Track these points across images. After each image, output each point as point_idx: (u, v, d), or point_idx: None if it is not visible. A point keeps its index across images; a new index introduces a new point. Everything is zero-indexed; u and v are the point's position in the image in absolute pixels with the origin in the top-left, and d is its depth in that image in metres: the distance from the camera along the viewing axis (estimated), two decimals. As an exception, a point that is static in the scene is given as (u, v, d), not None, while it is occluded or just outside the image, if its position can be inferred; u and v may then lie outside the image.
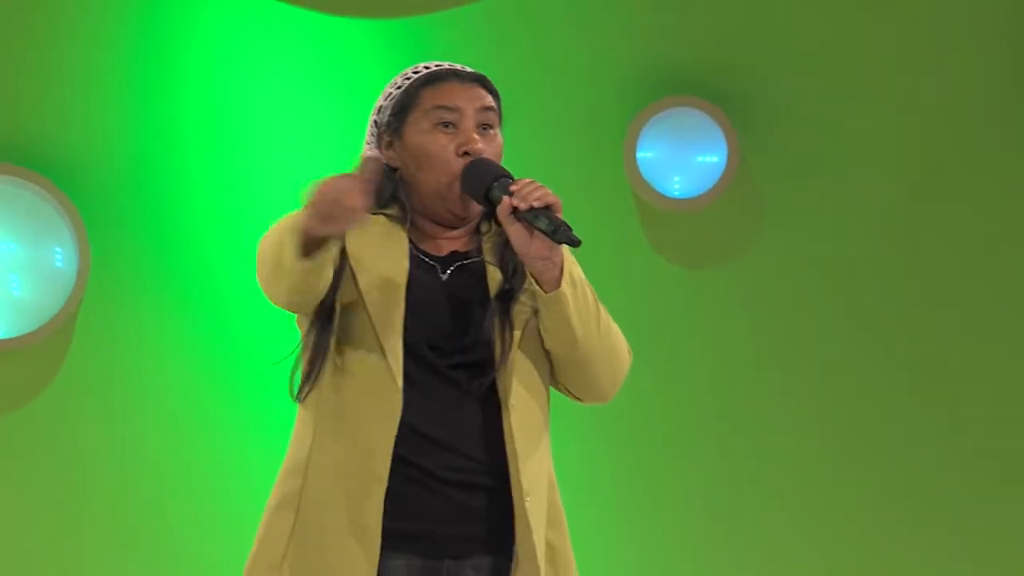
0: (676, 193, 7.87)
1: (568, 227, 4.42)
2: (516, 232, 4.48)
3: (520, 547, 4.59)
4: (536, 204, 4.40)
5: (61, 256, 7.86)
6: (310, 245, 4.47)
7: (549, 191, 4.44)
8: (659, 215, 7.88)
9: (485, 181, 4.59)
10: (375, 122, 4.81)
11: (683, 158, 7.89)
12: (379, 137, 4.77)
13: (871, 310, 8.11)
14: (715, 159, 7.83)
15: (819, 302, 8.10)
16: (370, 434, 4.62)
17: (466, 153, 4.63)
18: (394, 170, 4.76)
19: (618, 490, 7.96)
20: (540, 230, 4.45)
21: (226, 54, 8.04)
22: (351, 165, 4.83)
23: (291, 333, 4.82)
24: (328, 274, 4.59)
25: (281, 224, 4.61)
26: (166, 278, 7.98)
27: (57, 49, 8.00)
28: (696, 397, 7.94)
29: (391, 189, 4.76)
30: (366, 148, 4.85)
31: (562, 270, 4.52)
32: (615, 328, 4.65)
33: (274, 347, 4.88)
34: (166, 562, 7.98)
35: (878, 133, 8.08)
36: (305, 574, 4.66)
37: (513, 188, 4.47)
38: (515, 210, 4.46)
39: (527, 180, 4.47)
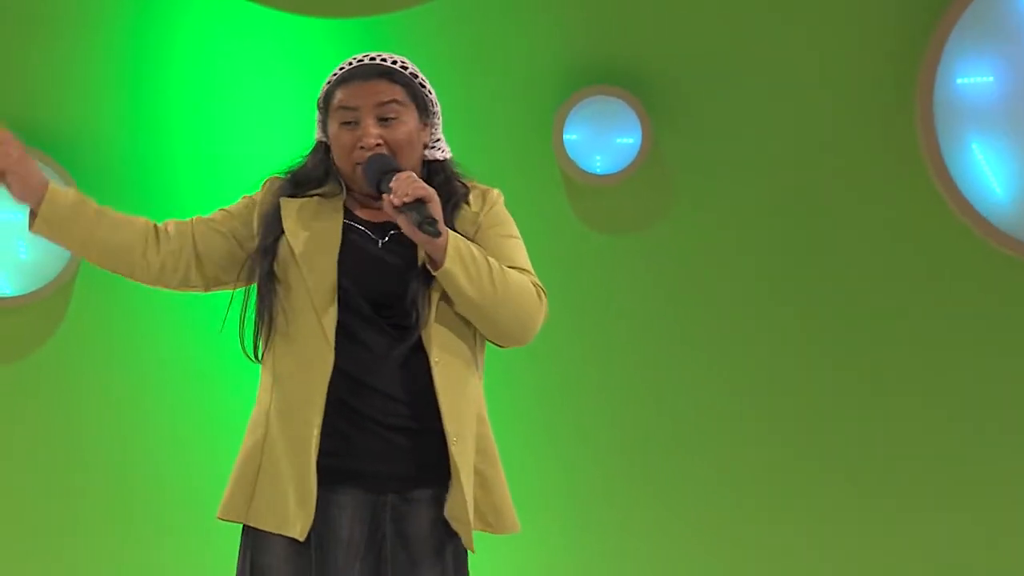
0: (597, 170, 8.06)
1: (432, 220, 4.60)
2: (402, 222, 4.64)
3: (452, 480, 4.74)
4: (407, 200, 4.60)
5: None
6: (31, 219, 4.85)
7: (420, 186, 4.62)
8: (583, 189, 8.06)
9: (376, 178, 4.78)
10: (318, 110, 5.01)
11: (603, 140, 8.07)
12: (321, 125, 4.99)
13: (767, 269, 8.26)
14: (631, 140, 8.02)
15: (721, 264, 8.23)
16: (307, 385, 4.75)
17: (362, 147, 4.81)
18: (328, 151, 4.95)
19: (548, 429, 8.09)
20: (411, 221, 4.64)
21: (205, 48, 8.25)
22: (308, 147, 5.10)
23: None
24: (136, 238, 4.93)
25: None
26: None
27: (59, 42, 8.18)
28: (613, 344, 8.10)
29: (323, 171, 4.96)
30: (317, 132, 5.05)
31: (446, 250, 4.66)
32: (517, 284, 4.80)
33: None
34: (158, 498, 8.16)
35: (774, 118, 8.26)
36: (263, 516, 4.80)
37: (392, 185, 4.66)
38: (394, 205, 4.63)
39: (404, 175, 4.66)
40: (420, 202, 4.59)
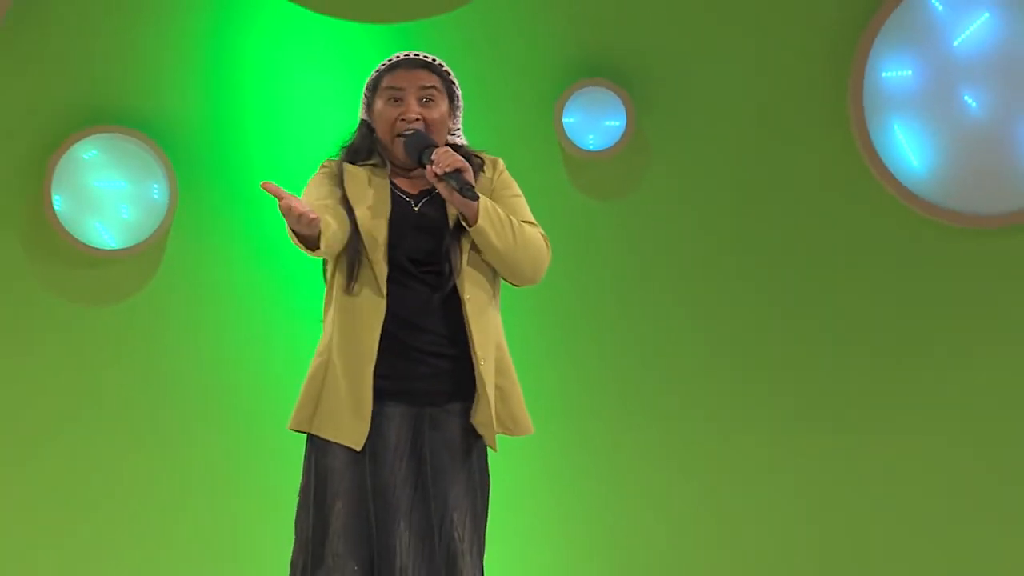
0: (590, 147, 8.19)
1: (470, 186, 4.76)
2: (442, 188, 4.81)
3: (478, 394, 4.92)
4: (448, 169, 4.76)
5: (157, 190, 8.10)
6: (307, 240, 4.80)
7: (458, 158, 4.79)
8: (578, 163, 8.21)
9: (417, 151, 4.92)
10: (364, 94, 5.15)
11: (595, 122, 8.21)
12: (364, 104, 5.12)
13: (726, 226, 8.39)
14: (618, 123, 8.17)
15: (688, 222, 8.38)
16: (365, 324, 4.88)
17: (403, 119, 4.95)
18: (372, 130, 5.09)
19: (552, 353, 8.20)
20: (451, 187, 4.78)
21: (272, 44, 8.30)
22: (347, 137, 5.25)
23: None
24: (337, 235, 4.87)
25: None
26: (233, 207, 8.23)
27: (154, 39, 8.21)
28: (602, 286, 8.23)
29: (368, 145, 5.10)
30: (361, 109, 5.21)
31: (478, 211, 4.83)
32: (531, 234, 4.98)
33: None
34: (234, 420, 8.26)
35: (732, 104, 8.37)
36: (325, 426, 4.90)
37: (433, 157, 4.82)
38: (435, 174, 4.80)
39: (443, 149, 4.83)
40: (458, 172, 4.75)
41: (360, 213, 4.89)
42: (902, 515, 8.36)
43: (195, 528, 8.16)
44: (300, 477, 5.02)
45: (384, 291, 4.83)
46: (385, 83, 5.00)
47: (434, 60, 5.03)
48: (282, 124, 8.24)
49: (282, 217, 4.71)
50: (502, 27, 8.25)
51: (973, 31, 8.22)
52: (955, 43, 8.22)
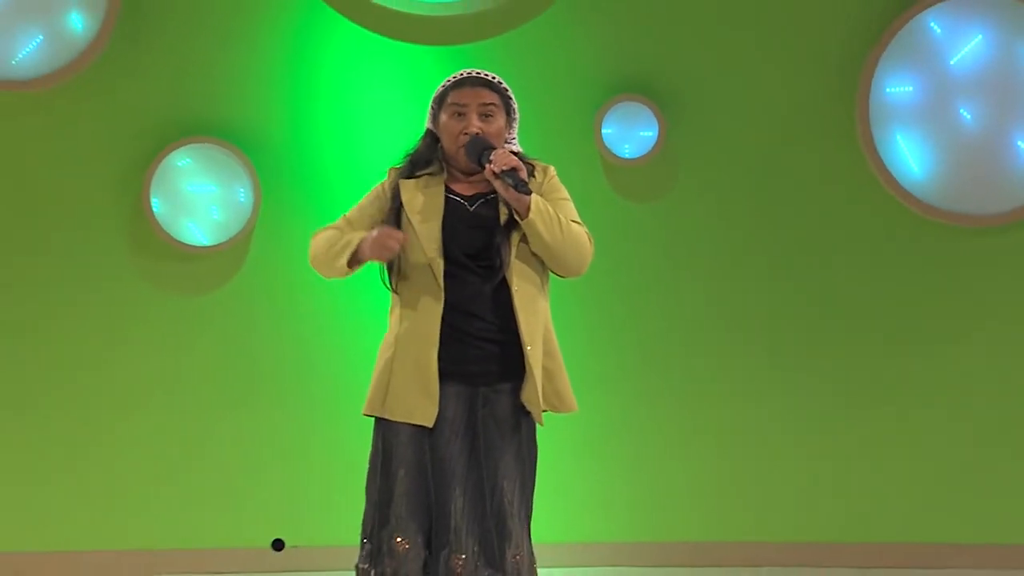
0: (626, 155, 8.21)
1: (524, 182, 4.80)
2: (498, 185, 4.85)
3: (527, 374, 4.93)
4: (504, 167, 4.81)
5: (243, 194, 8.09)
6: (355, 262, 4.97)
7: (512, 159, 4.83)
8: (615, 169, 8.26)
9: (477, 152, 4.94)
10: (431, 107, 5.13)
11: (630, 133, 8.20)
12: (431, 116, 5.10)
13: (745, 223, 8.37)
14: (651, 134, 8.18)
15: (711, 220, 8.36)
16: (426, 314, 4.90)
17: (465, 133, 4.96)
18: (437, 140, 5.09)
19: (594, 337, 8.12)
20: (506, 183, 4.81)
21: (345, 63, 8.25)
22: (413, 144, 5.21)
23: None
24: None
25: (331, 239, 5.08)
26: (309, 208, 8.10)
27: (241, 57, 8.18)
28: (637, 281, 8.24)
29: (431, 153, 5.09)
30: (427, 120, 5.17)
31: (529, 206, 4.84)
32: (577, 230, 4.98)
33: None
34: (309, 402, 8.23)
35: (752, 118, 8.33)
36: (396, 408, 4.89)
37: (492, 157, 4.86)
38: (494, 172, 4.84)
39: (500, 151, 4.87)
40: (514, 169, 4.81)
41: (415, 218, 4.91)
42: (905, 474, 8.35)
43: (272, 487, 8.20)
44: (370, 448, 5.03)
45: (442, 284, 4.84)
46: (450, 99, 5.01)
47: (494, 78, 5.05)
48: (353, 134, 8.23)
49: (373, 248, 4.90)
50: (549, 49, 8.25)
51: (968, 51, 8.20)
52: (952, 62, 8.19)
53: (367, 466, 5.00)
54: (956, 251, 8.30)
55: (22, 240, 8.07)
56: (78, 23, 7.86)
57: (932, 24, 8.16)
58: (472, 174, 5.00)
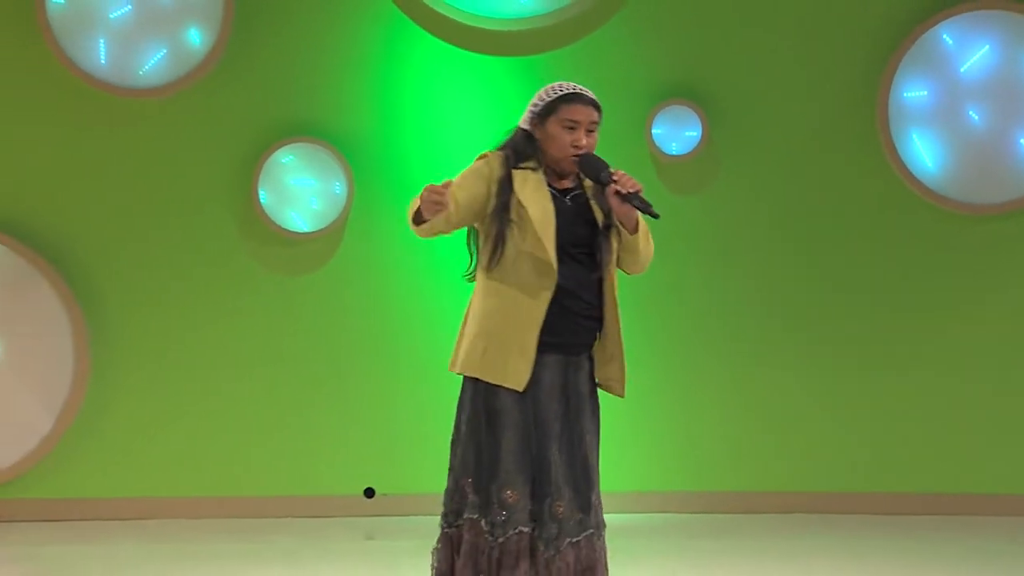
0: (673, 152, 8.30)
1: (649, 205, 4.67)
2: (616, 203, 4.73)
3: (611, 353, 4.88)
4: (631, 190, 4.71)
5: (338, 187, 8.20)
6: (419, 219, 4.74)
7: (637, 182, 4.73)
8: (664, 165, 8.33)
9: (597, 169, 4.79)
10: (531, 109, 4.90)
11: (677, 132, 8.29)
12: (531, 119, 4.88)
13: (779, 213, 8.39)
14: (695, 134, 8.30)
15: (749, 211, 8.40)
16: (537, 293, 4.78)
17: (575, 146, 4.81)
18: (533, 139, 4.87)
19: (646, 316, 8.00)
20: (634, 205, 4.70)
21: (427, 72, 8.30)
22: (501, 137, 4.94)
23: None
24: (439, 225, 4.76)
25: (413, 205, 4.79)
26: (396, 199, 8.00)
27: (336, 67, 8.25)
28: (684, 265, 8.24)
29: (531, 151, 4.87)
30: (522, 120, 4.93)
31: (638, 223, 4.81)
32: (649, 235, 4.92)
33: (465, 246, 4.98)
34: (394, 369, 8.26)
35: (785, 119, 8.37)
36: (493, 372, 4.76)
37: (615, 177, 4.73)
38: (616, 192, 4.71)
39: (622, 172, 4.75)
40: (637, 192, 4.72)
41: (533, 209, 4.79)
42: (923, 430, 8.40)
43: (364, 441, 8.28)
44: (460, 410, 4.89)
45: (555, 267, 4.75)
46: (563, 112, 4.84)
47: (597, 100, 4.93)
48: (433, 133, 8.35)
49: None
50: (606, 58, 8.32)
51: (976, 60, 8.30)
52: (962, 69, 8.31)
53: (461, 427, 4.85)
54: (965, 235, 8.40)
55: (148, 226, 8.23)
56: (196, 38, 8.10)
57: (944, 36, 8.29)
58: (565, 176, 4.92)
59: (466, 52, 8.21)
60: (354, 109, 8.29)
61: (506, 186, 4.82)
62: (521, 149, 4.88)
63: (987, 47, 8.25)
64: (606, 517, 4.87)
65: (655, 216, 4.70)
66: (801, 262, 8.42)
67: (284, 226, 8.15)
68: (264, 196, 8.12)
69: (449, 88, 8.34)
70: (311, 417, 8.27)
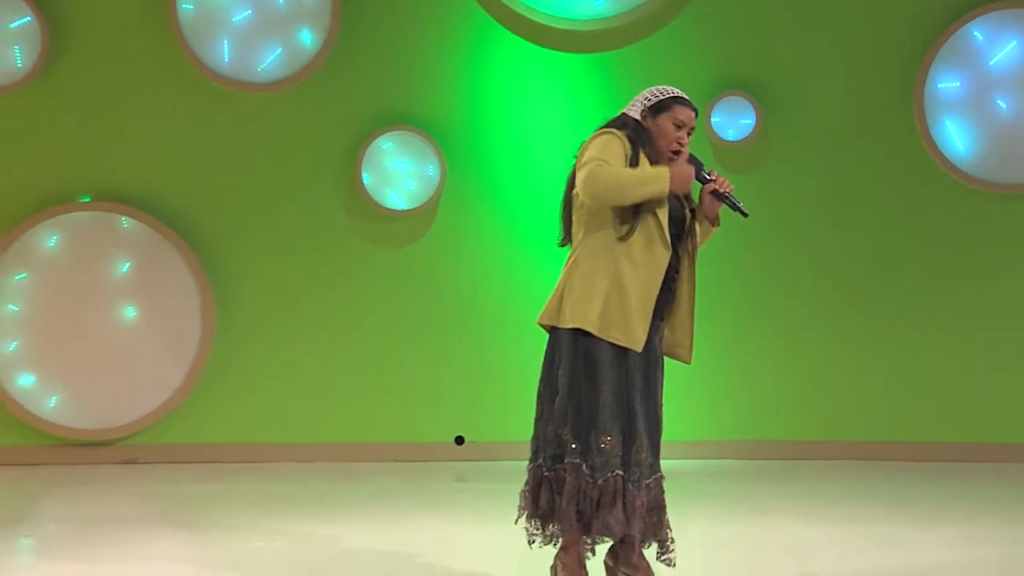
0: (731, 138, 8.35)
1: (740, 204, 4.77)
2: (707, 199, 4.86)
3: (682, 316, 4.90)
4: (728, 190, 4.83)
5: (432, 170, 8.29)
6: (620, 192, 4.69)
7: (729, 181, 4.85)
8: (722, 149, 8.36)
9: (697, 169, 4.81)
10: (643, 102, 4.88)
11: (734, 120, 8.34)
12: (642, 110, 4.87)
13: (825, 192, 8.38)
14: (750, 122, 8.36)
15: (801, 191, 8.38)
16: (657, 263, 4.77)
17: (679, 143, 4.82)
18: (643, 128, 4.84)
19: (704, 282, 7.95)
20: (726, 204, 4.81)
21: (511, 67, 8.33)
22: (576, 148, 4.84)
23: (546, 213, 5.21)
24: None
25: (625, 176, 4.65)
26: (483, 181, 8.29)
27: (431, 64, 8.30)
28: (741, 235, 7.81)
29: (644, 138, 4.84)
30: (629, 108, 4.90)
31: (718, 216, 4.92)
32: None
33: (543, 222, 5.43)
34: (479, 328, 8.32)
35: (830, 108, 8.35)
36: (615, 331, 4.73)
37: (712, 177, 4.85)
38: (713, 190, 4.83)
39: (716, 172, 4.85)
40: (730, 193, 4.84)
41: None
42: (948, 382, 8.37)
43: (455, 393, 8.36)
44: (548, 361, 4.87)
45: (669, 242, 4.77)
46: (676, 111, 4.85)
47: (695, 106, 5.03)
48: (516, 121, 8.40)
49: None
50: (669, 54, 8.37)
51: (1004, 54, 8.30)
52: (991, 62, 8.31)
53: (556, 380, 4.79)
54: (992, 211, 8.40)
55: (265, 203, 8.36)
56: (307, 39, 8.25)
57: (975, 33, 8.31)
58: (655, 165, 4.87)
59: (545, 49, 8.21)
60: (446, 100, 8.37)
61: (635, 164, 4.80)
62: (636, 135, 4.86)
63: (1014, 42, 8.23)
64: (667, 463, 4.90)
65: (744, 215, 4.76)
66: (843, 235, 8.41)
67: (384, 204, 8.24)
68: (367, 178, 8.21)
69: (530, 81, 8.38)
70: (408, 373, 8.34)
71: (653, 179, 4.69)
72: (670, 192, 4.71)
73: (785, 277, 8.40)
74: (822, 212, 8.42)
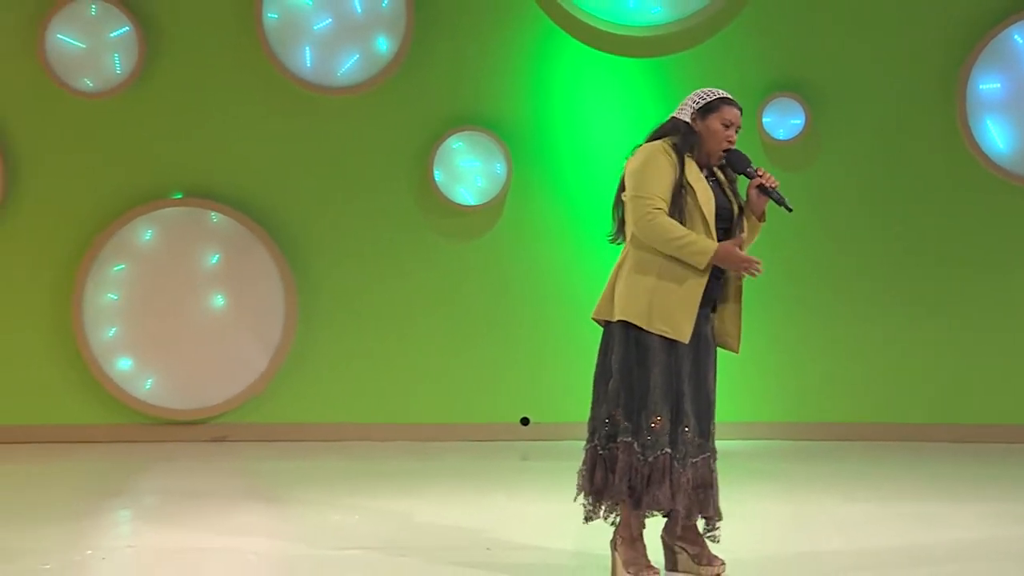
0: (780, 137, 8.33)
1: (785, 199, 4.74)
2: (754, 194, 4.84)
3: (730, 308, 4.92)
4: (773, 185, 4.82)
5: (499, 168, 8.32)
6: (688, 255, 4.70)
7: (775, 177, 4.84)
8: (773, 148, 8.30)
9: (743, 164, 4.85)
10: (692, 105, 4.87)
11: (784, 121, 8.32)
12: (692, 113, 4.85)
13: (871, 187, 8.32)
14: (799, 121, 8.36)
15: (848, 186, 8.34)
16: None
17: (728, 141, 4.85)
18: (693, 131, 4.84)
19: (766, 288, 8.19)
20: (772, 199, 4.79)
21: (574, 71, 8.32)
22: (633, 147, 4.84)
23: (605, 208, 4.99)
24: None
25: (675, 229, 4.66)
26: (546, 178, 8.31)
27: (499, 68, 8.30)
28: (792, 229, 7.86)
29: (693, 141, 4.84)
30: (679, 112, 4.88)
31: (764, 212, 4.91)
32: None
33: (602, 216, 5.07)
34: (543, 318, 8.28)
35: (877, 108, 8.30)
36: (662, 324, 4.74)
37: (759, 172, 4.84)
38: (759, 185, 4.82)
39: (762, 168, 4.84)
40: (776, 188, 4.83)
41: (699, 189, 4.79)
42: (986, 367, 8.32)
43: (521, 376, 8.35)
44: (605, 349, 4.90)
45: (716, 239, 4.76)
46: (724, 112, 4.85)
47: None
48: (579, 121, 8.41)
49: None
50: (722, 58, 8.35)
51: None
52: None
53: (611, 366, 4.84)
54: None
55: (344, 199, 8.40)
56: (383, 45, 8.32)
57: (1016, 36, 8.27)
58: (705, 164, 4.89)
59: (605, 53, 8.19)
60: (512, 102, 8.39)
61: (680, 170, 4.81)
62: (686, 139, 4.85)
63: (1053, 46, 8.39)
64: (720, 443, 4.93)
65: (789, 210, 4.73)
66: (885, 228, 8.38)
67: (454, 200, 8.29)
68: (438, 175, 8.26)
69: (591, 84, 8.38)
70: (476, 357, 8.38)
71: (700, 252, 4.70)
72: (709, 264, 4.67)
73: (831, 268, 8.38)
74: (865, 207, 8.39)
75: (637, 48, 8.18)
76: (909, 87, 8.32)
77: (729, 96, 4.89)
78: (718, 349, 4.98)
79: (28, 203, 8.27)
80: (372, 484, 6.86)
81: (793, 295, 8.37)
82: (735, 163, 4.85)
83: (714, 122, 4.82)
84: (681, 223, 4.76)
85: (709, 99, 4.85)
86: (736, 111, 4.87)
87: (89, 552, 5.36)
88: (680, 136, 4.85)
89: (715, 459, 4.92)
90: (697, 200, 4.78)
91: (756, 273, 4.73)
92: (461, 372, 8.35)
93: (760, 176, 4.79)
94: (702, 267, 4.70)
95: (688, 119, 4.85)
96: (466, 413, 8.33)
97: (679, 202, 4.79)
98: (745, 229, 4.88)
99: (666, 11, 8.20)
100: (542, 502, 6.34)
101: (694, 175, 4.81)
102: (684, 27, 8.14)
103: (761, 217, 4.88)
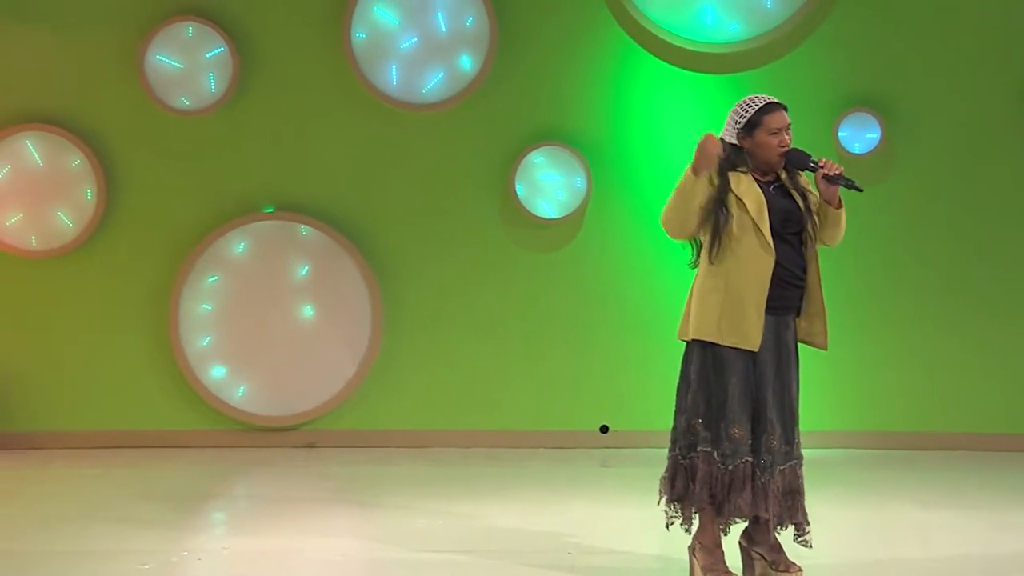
0: (856, 151, 8.24)
1: (854, 180, 4.75)
2: (823, 185, 4.85)
3: (815, 311, 4.93)
4: (837, 172, 4.83)
5: (579, 181, 8.32)
6: (700, 176, 4.78)
7: (837, 164, 4.84)
8: (849, 162, 7.95)
9: (804, 160, 4.88)
10: (734, 124, 4.89)
11: (859, 135, 8.25)
12: (737, 130, 4.88)
13: (948, 201, 8.28)
14: (875, 136, 8.28)
15: (924, 200, 8.29)
16: (761, 266, 4.79)
17: (782, 146, 4.86)
18: (741, 149, 4.87)
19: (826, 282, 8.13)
20: (840, 184, 4.80)
21: (652, 87, 8.32)
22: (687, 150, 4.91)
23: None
24: (694, 227, 4.82)
25: (675, 192, 4.79)
26: (624, 191, 8.27)
27: (578, 85, 8.28)
28: (865, 242, 8.02)
29: (740, 160, 4.87)
30: (724, 133, 4.91)
31: (839, 198, 4.89)
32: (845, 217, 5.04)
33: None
34: (621, 335, 8.25)
35: (953, 117, 8.25)
36: (731, 337, 4.77)
37: (821, 163, 4.84)
38: (825, 175, 4.82)
39: (823, 158, 4.87)
40: (841, 173, 4.84)
41: (748, 200, 4.81)
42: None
43: (600, 385, 8.30)
44: (686, 363, 4.91)
45: (772, 246, 4.78)
46: (768, 123, 4.85)
47: (784, 103, 5.01)
48: (657, 137, 8.41)
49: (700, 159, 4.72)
50: (798, 73, 8.30)
51: None
52: None
53: (691, 377, 4.86)
54: None
55: (428, 212, 8.39)
56: (467, 63, 8.39)
57: (1094, 50, 8.35)
58: (767, 173, 4.92)
59: (683, 70, 8.22)
60: (592, 118, 8.40)
61: (725, 188, 4.83)
62: (735, 159, 4.86)
63: None
64: (803, 451, 4.92)
65: (859, 190, 4.73)
66: (962, 240, 8.33)
67: (535, 213, 8.33)
68: (520, 188, 8.31)
69: (669, 100, 8.40)
70: (556, 366, 8.40)
71: (685, 173, 4.73)
72: (698, 166, 4.67)
73: (908, 279, 8.33)
74: (939, 219, 8.34)
75: (712, 64, 8.13)
76: (986, 99, 8.28)
77: (768, 101, 4.86)
78: (806, 351, 4.95)
79: (127, 216, 8.39)
80: (455, 489, 6.92)
81: (871, 306, 8.31)
82: (796, 163, 4.83)
83: (761, 135, 4.82)
84: (723, 236, 4.76)
85: (749, 114, 4.83)
86: (780, 114, 4.84)
87: (185, 553, 5.45)
88: (726, 158, 4.83)
89: (802, 465, 4.92)
90: (747, 209, 4.78)
91: (834, 170, 4.67)
92: (541, 380, 8.37)
93: (823, 167, 4.78)
94: (697, 176, 4.67)
95: (735, 140, 4.85)
96: (546, 420, 8.34)
97: (716, 219, 4.80)
98: (828, 224, 4.84)
99: (744, 27, 8.14)
100: (622, 508, 6.34)
101: (744, 187, 4.81)
102: (761, 43, 8.09)
103: (838, 205, 4.85)
